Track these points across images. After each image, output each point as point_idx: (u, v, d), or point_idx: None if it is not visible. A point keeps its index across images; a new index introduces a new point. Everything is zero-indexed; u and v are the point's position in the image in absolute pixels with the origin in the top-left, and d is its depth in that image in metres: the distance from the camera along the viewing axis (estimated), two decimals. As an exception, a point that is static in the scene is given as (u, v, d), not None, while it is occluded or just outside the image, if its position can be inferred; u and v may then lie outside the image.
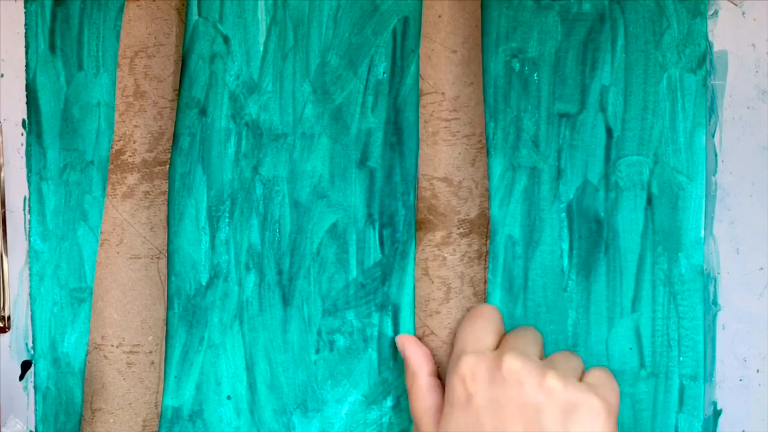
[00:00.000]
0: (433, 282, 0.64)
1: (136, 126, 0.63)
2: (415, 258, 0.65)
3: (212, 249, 0.66)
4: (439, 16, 0.63)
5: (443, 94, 0.64)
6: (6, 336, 0.67)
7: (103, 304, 0.64)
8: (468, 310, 0.63)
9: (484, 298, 0.65)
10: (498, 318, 0.62)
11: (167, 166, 0.65)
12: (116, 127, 0.64)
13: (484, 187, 0.65)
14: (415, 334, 0.65)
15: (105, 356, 0.64)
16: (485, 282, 0.65)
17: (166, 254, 0.66)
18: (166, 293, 0.66)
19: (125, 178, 0.64)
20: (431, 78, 0.64)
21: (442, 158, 0.64)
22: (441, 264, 0.64)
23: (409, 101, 0.65)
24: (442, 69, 0.63)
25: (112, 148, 0.64)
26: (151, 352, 0.65)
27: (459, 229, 0.64)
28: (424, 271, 0.65)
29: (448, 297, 0.64)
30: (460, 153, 0.64)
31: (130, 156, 0.63)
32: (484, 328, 0.61)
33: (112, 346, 0.64)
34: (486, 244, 0.65)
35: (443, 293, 0.64)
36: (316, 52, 0.65)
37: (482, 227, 0.65)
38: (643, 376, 0.65)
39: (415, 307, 0.66)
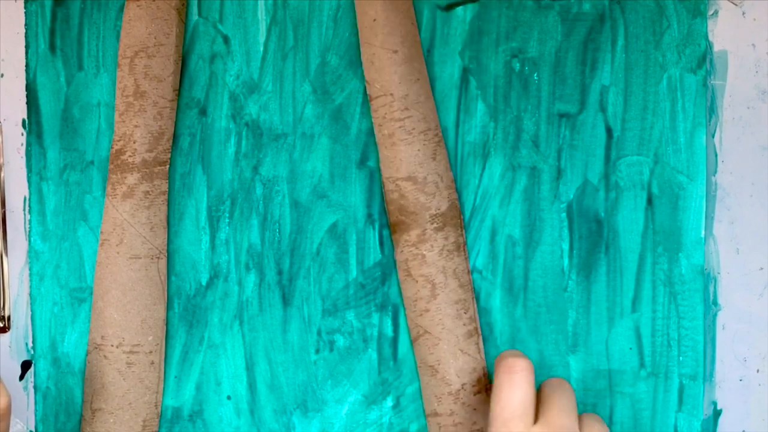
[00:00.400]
0: (417, 281, 0.64)
1: (136, 126, 0.63)
2: (395, 261, 0.65)
3: (212, 249, 0.66)
4: (374, 20, 0.63)
5: (392, 95, 0.63)
6: (6, 336, 0.67)
7: (103, 304, 0.64)
8: (499, 360, 0.61)
9: (470, 288, 0.65)
10: (532, 373, 0.60)
11: (167, 166, 0.65)
12: (116, 127, 0.64)
13: (450, 179, 0.65)
14: (410, 336, 0.66)
15: (105, 356, 0.64)
16: (469, 272, 0.65)
17: (166, 254, 0.66)
18: (166, 293, 0.66)
19: (125, 178, 0.64)
20: (377, 81, 0.63)
21: (403, 158, 0.63)
22: (421, 262, 0.64)
23: (409, 101, 0.65)
24: (386, 71, 0.63)
25: (112, 148, 0.64)
26: (151, 352, 0.65)
27: (432, 224, 0.64)
28: (407, 273, 0.65)
29: (434, 293, 0.64)
30: (419, 150, 0.63)
31: (130, 156, 0.63)
32: (525, 398, 0.60)
33: (112, 346, 0.64)
34: (462, 235, 0.65)
35: (429, 291, 0.64)
36: (316, 52, 0.65)
37: (455, 219, 0.65)
38: (643, 375, 0.65)
39: (405, 310, 0.66)
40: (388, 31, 0.63)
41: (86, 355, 0.65)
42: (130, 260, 0.64)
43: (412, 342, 0.65)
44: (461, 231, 0.65)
